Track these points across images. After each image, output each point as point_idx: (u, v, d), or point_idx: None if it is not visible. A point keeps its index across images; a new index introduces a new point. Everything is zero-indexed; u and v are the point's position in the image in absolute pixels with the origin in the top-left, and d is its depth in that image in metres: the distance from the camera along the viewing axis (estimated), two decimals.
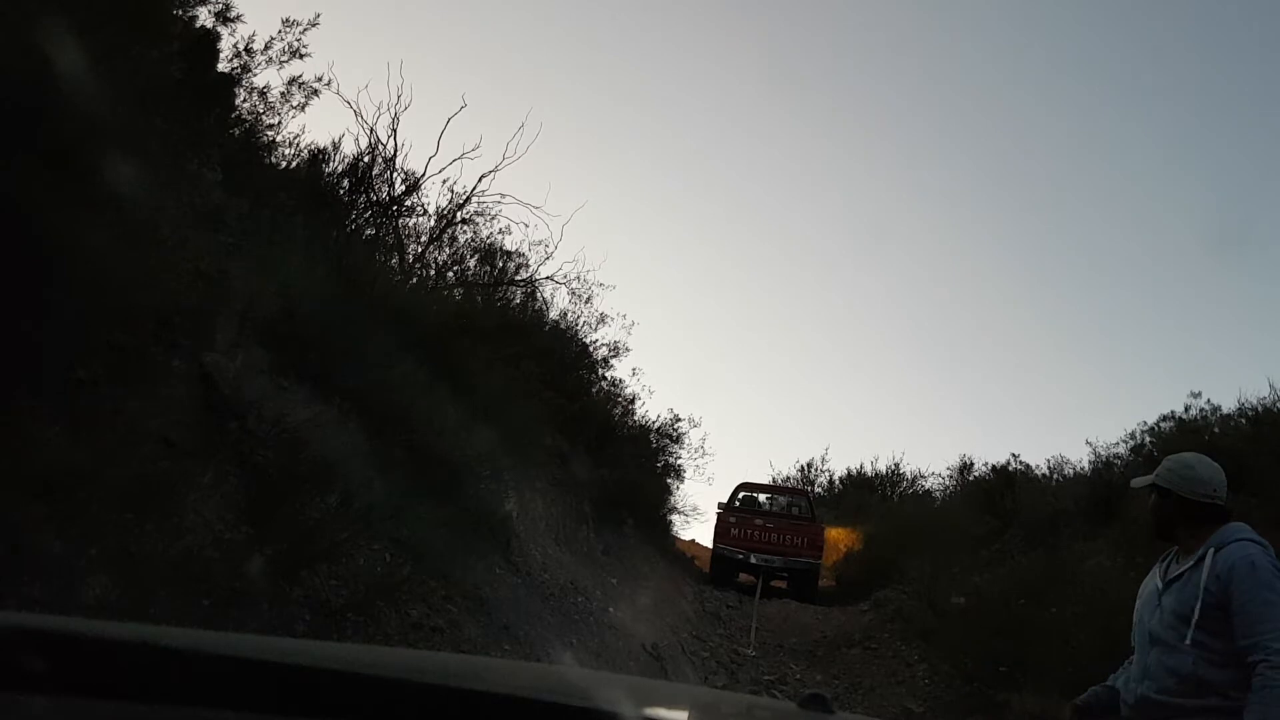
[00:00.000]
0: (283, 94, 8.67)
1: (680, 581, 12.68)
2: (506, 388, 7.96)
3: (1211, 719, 2.51)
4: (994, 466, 15.25)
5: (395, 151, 10.37)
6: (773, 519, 14.71)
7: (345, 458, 4.59)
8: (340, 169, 9.83)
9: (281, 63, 8.46)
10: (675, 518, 15.54)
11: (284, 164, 8.59)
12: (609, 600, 8.51)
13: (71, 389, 3.48)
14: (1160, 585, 2.74)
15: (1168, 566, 2.78)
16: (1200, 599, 2.54)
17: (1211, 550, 2.60)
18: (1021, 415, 33.77)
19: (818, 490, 20.60)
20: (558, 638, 6.47)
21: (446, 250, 11.44)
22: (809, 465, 22.23)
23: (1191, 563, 2.65)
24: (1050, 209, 41.36)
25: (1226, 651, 2.50)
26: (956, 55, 40.32)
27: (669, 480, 14.91)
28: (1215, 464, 2.80)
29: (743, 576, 14.09)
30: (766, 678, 8.75)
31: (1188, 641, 2.53)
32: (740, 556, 13.84)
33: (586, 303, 12.77)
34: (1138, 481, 2.93)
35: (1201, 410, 12.18)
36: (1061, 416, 34.04)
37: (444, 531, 5.37)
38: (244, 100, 8.37)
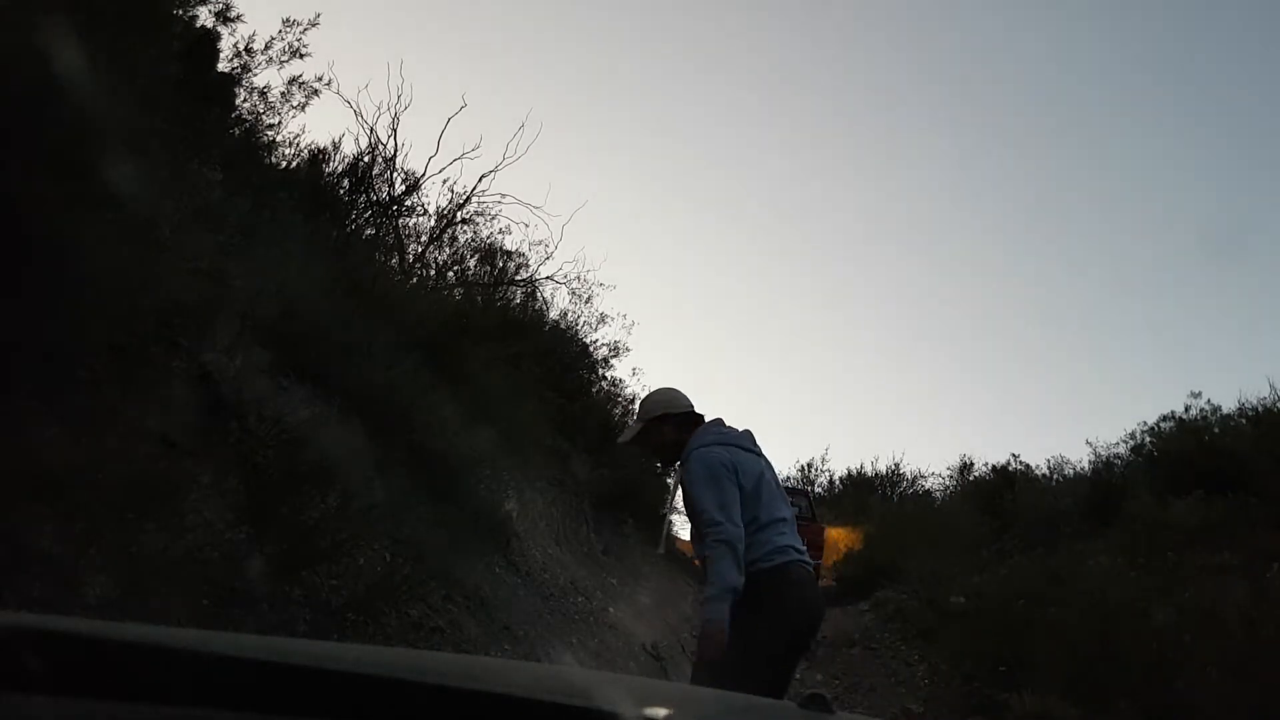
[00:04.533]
0: (283, 94, 8.71)
1: (680, 581, 12.67)
2: (506, 388, 7.96)
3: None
4: (994, 466, 15.30)
5: (395, 151, 10.41)
6: None
7: (345, 458, 4.59)
8: (340, 169, 9.86)
9: (281, 62, 8.49)
10: (675, 518, 15.54)
11: (284, 164, 8.60)
12: (609, 600, 8.51)
13: (71, 389, 3.48)
14: None
15: None
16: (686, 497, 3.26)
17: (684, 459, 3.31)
18: (1021, 415, 33.82)
19: (818, 490, 20.61)
20: (558, 638, 6.46)
21: (446, 250, 11.47)
22: (809, 465, 22.28)
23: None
24: (1051, 210, 41.38)
25: None
26: (957, 57, 40.35)
27: (669, 480, 14.88)
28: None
29: None
30: None
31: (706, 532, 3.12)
32: None
33: (586, 303, 12.81)
34: (630, 431, 3.51)
35: (1201, 410, 12.19)
36: (1061, 416, 34.11)
37: (444, 531, 5.36)
38: (244, 100, 8.40)
